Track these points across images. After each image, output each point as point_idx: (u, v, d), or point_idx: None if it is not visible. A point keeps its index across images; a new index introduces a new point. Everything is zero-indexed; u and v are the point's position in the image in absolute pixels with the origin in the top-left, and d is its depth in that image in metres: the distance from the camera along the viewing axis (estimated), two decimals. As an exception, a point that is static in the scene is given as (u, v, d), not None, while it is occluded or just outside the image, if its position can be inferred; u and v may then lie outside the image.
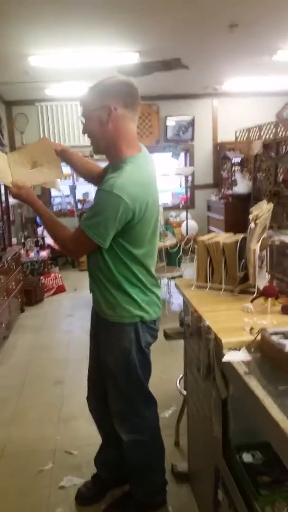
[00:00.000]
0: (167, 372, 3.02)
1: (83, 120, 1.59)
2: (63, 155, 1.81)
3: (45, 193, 6.85)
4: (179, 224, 6.90)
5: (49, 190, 6.91)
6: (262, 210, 1.75)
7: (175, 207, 7.36)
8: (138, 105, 1.57)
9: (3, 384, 3.09)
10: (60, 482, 2.06)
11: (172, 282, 4.62)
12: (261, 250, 1.69)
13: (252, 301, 1.56)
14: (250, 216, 1.67)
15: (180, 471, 2.05)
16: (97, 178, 1.82)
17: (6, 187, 1.77)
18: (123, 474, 1.89)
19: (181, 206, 7.33)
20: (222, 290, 1.75)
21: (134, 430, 1.75)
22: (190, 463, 2.01)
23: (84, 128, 1.60)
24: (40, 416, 2.67)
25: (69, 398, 2.85)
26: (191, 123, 7.10)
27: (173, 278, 4.40)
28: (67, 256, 6.52)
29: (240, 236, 1.77)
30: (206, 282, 1.80)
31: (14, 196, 1.67)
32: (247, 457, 1.31)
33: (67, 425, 2.56)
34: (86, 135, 1.61)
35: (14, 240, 4.98)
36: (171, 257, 4.48)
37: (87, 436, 2.35)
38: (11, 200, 4.82)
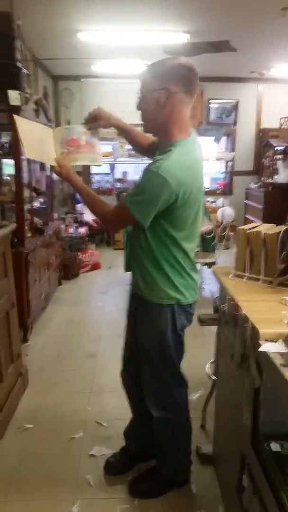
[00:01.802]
0: (196, 356, 3.06)
1: (140, 96, 1.60)
2: (119, 130, 1.85)
3: (86, 171, 6.92)
4: (215, 210, 6.82)
5: (89, 168, 6.99)
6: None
7: (212, 193, 7.28)
8: (196, 90, 1.57)
9: (39, 354, 3.23)
10: (90, 451, 2.17)
11: (205, 268, 4.63)
12: (304, 243, 1.68)
13: (291, 294, 1.56)
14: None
15: (205, 453, 2.11)
16: (147, 148, 1.86)
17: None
18: (150, 450, 1.97)
19: (218, 191, 7.24)
20: (261, 281, 1.75)
21: (164, 408, 1.82)
22: (215, 447, 2.07)
23: (139, 105, 1.61)
24: (73, 387, 2.78)
25: (101, 372, 2.96)
26: (235, 107, 6.95)
27: (206, 264, 4.40)
28: (106, 230, 6.63)
29: (283, 228, 1.77)
30: (244, 271, 1.81)
31: (57, 174, 1.72)
32: (275, 447, 1.35)
33: (98, 397, 2.66)
34: (139, 112, 1.62)
35: (55, 215, 5.09)
36: (206, 243, 4.46)
37: (117, 409, 2.44)
38: (54, 176, 4.91)
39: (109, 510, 1.83)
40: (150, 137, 1.85)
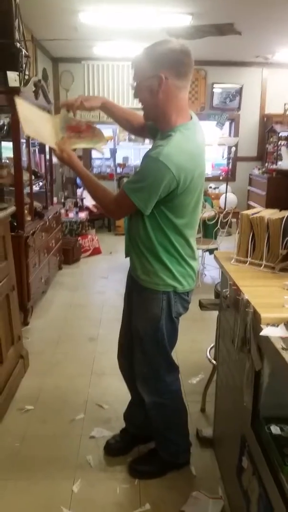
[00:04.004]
0: (197, 341, 3.09)
1: (134, 85, 1.57)
2: (104, 108, 1.80)
3: (86, 155, 6.87)
4: (217, 196, 6.80)
5: (90, 152, 6.94)
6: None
7: (215, 178, 7.24)
8: (191, 73, 1.54)
9: (40, 337, 3.25)
10: (90, 432, 2.19)
11: (207, 254, 4.63)
12: (307, 229, 1.68)
13: (293, 279, 1.56)
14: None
15: (204, 435, 2.13)
16: (139, 128, 1.83)
17: (50, 148, 1.77)
18: (150, 432, 1.99)
19: (221, 177, 7.20)
20: (263, 266, 1.75)
21: (155, 393, 1.84)
22: (215, 429, 2.09)
23: (135, 93, 1.59)
24: (74, 370, 2.80)
25: (101, 355, 2.97)
26: (239, 92, 6.87)
27: (208, 250, 4.40)
28: (107, 217, 6.61)
29: (286, 213, 1.76)
30: (247, 256, 1.81)
31: (58, 158, 1.69)
32: (275, 429, 1.36)
33: (99, 379, 2.69)
34: (137, 100, 1.60)
35: (55, 200, 5.07)
36: (208, 229, 4.45)
37: (117, 392, 2.46)
38: (54, 160, 4.87)
39: (109, 490, 1.86)
40: (142, 117, 1.82)
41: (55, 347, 3.11)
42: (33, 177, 3.71)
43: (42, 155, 4.43)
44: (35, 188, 4.00)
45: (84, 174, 1.68)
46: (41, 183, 4.24)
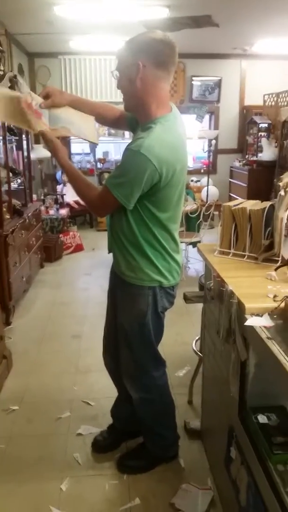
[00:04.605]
0: (182, 334, 3.09)
1: (117, 74, 1.56)
2: (74, 105, 1.75)
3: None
4: (199, 189, 6.81)
5: (69, 146, 6.86)
6: (293, 178, 1.72)
7: (196, 171, 7.24)
8: (172, 64, 1.53)
9: (23, 337, 3.20)
10: (77, 430, 2.17)
11: (190, 248, 4.63)
12: (288, 218, 1.68)
13: (276, 269, 1.56)
14: (280, 183, 1.65)
15: (192, 427, 2.13)
16: (114, 120, 1.81)
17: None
18: (138, 427, 1.98)
19: (202, 170, 7.21)
20: (246, 257, 1.75)
21: (143, 389, 1.82)
22: (203, 421, 2.09)
23: (117, 84, 1.57)
24: (59, 368, 2.77)
25: (86, 352, 2.95)
26: (218, 84, 6.87)
27: (192, 243, 4.40)
28: (89, 213, 6.56)
29: (267, 204, 1.76)
30: (230, 248, 1.81)
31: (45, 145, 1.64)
32: (262, 418, 1.36)
33: (84, 377, 2.66)
34: (119, 91, 1.58)
35: (34, 197, 5.00)
36: (190, 222, 4.44)
37: (103, 388, 2.45)
38: (33, 156, 4.80)
39: (98, 487, 1.84)
40: (117, 109, 1.80)
41: (39, 346, 3.07)
42: (11, 174, 3.64)
43: (20, 152, 4.35)
44: (14, 185, 3.93)
45: (68, 168, 1.63)
46: (19, 180, 4.17)
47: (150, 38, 1.49)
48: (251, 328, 1.24)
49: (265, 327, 1.21)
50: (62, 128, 1.69)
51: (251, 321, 1.26)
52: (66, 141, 6.58)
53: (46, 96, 1.68)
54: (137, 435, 2.05)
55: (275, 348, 1.09)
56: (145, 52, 1.47)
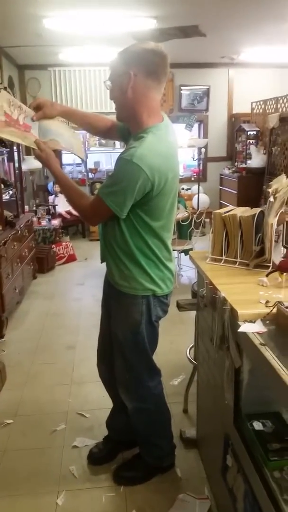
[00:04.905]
0: (176, 342, 3.08)
1: (110, 85, 1.57)
2: (65, 115, 1.77)
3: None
4: (190, 197, 6.85)
5: (60, 157, 6.87)
6: (282, 184, 1.74)
7: (187, 180, 7.29)
8: (164, 75, 1.54)
9: (16, 349, 3.17)
10: (73, 442, 2.15)
11: (183, 255, 4.64)
12: (278, 224, 1.69)
13: (267, 275, 1.57)
14: (270, 190, 1.67)
15: (188, 436, 2.12)
16: (105, 130, 1.81)
17: (29, 148, 1.69)
18: (133, 437, 1.96)
19: (193, 178, 7.25)
20: (237, 263, 1.76)
21: (138, 399, 1.81)
22: (199, 430, 2.08)
23: (110, 94, 1.59)
24: (53, 380, 2.75)
25: (80, 363, 2.93)
26: (206, 93, 6.94)
27: (184, 251, 4.41)
28: (81, 223, 6.56)
29: (257, 210, 1.77)
30: (221, 255, 1.81)
31: (36, 157, 1.64)
32: (257, 425, 1.36)
33: (79, 388, 2.64)
34: (109, 101, 1.60)
35: (26, 208, 4.99)
36: (182, 230, 4.46)
37: (98, 399, 2.43)
38: (24, 167, 4.80)
39: (95, 500, 1.82)
40: (108, 119, 1.81)
41: (32, 358, 3.04)
42: (2, 185, 3.63)
43: (11, 163, 4.35)
44: (5, 196, 3.92)
45: (62, 177, 1.64)
46: (11, 192, 4.17)
47: (141, 48, 1.51)
48: (244, 334, 1.24)
49: (258, 333, 1.22)
50: (51, 141, 1.69)
51: (244, 327, 1.26)
52: (57, 152, 6.60)
53: (37, 107, 1.69)
54: (133, 446, 2.03)
55: (269, 354, 1.09)
56: (136, 62, 1.49)
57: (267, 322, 1.27)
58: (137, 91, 1.51)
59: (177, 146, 1.64)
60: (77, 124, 1.83)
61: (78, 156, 1.88)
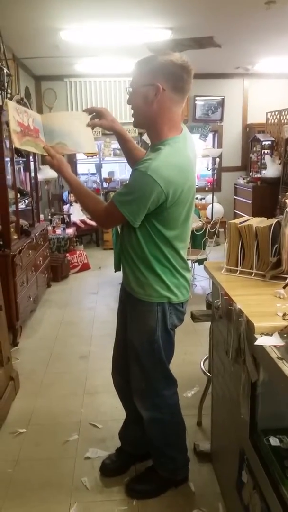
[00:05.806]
0: (190, 353, 3.05)
1: (130, 91, 1.57)
2: (119, 137, 1.80)
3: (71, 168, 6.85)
4: (204, 207, 6.83)
5: (75, 167, 6.94)
6: (299, 195, 1.72)
7: (201, 189, 7.28)
8: (189, 90, 1.55)
9: (30, 357, 3.18)
10: (85, 453, 2.13)
11: (196, 265, 4.61)
12: (295, 235, 1.67)
13: (284, 287, 1.55)
14: (286, 200, 1.65)
15: (202, 450, 2.09)
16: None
17: (42, 157, 1.70)
18: (146, 450, 1.94)
19: (207, 188, 7.25)
20: (253, 274, 1.74)
21: (153, 408, 1.79)
22: (213, 443, 2.05)
23: (129, 99, 1.59)
24: (66, 389, 2.74)
25: (94, 373, 2.91)
26: (221, 103, 6.95)
27: (198, 261, 4.39)
28: (94, 230, 6.60)
29: (274, 221, 1.75)
30: (237, 265, 1.79)
31: (48, 163, 1.65)
32: (274, 441, 1.33)
33: (92, 398, 2.62)
34: (124, 112, 1.61)
35: (41, 217, 5.03)
36: (196, 240, 4.45)
37: (111, 410, 2.41)
38: (40, 177, 4.86)
39: (107, 513, 1.80)
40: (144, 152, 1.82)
41: (46, 367, 3.04)
42: (18, 195, 3.67)
43: (27, 173, 4.40)
44: (21, 206, 3.96)
45: (75, 183, 1.66)
46: (27, 201, 4.21)
47: (170, 62, 1.49)
48: (261, 347, 1.22)
49: (275, 346, 1.19)
50: (58, 144, 1.69)
51: (261, 340, 1.23)
52: (72, 161, 6.66)
53: (97, 115, 1.71)
54: (146, 458, 2.00)
55: (286, 368, 1.07)
56: (166, 76, 1.48)
57: (285, 335, 1.24)
58: (162, 105, 1.52)
59: (195, 158, 1.65)
60: (122, 150, 1.86)
61: (89, 153, 1.86)
